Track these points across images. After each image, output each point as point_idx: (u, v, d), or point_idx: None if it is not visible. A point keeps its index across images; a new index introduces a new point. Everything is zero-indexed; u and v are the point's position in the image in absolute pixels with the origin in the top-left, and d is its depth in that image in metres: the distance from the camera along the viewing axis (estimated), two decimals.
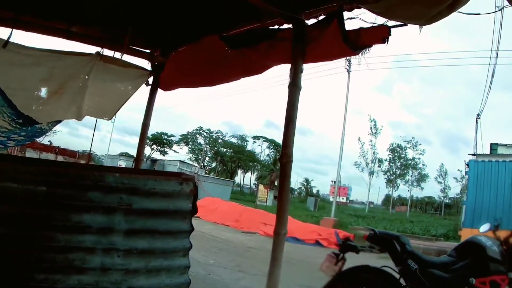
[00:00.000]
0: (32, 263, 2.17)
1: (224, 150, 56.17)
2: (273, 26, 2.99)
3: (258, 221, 11.49)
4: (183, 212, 2.41)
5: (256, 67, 3.09)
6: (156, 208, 2.35)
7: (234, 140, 57.38)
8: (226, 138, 56.79)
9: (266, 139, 57.46)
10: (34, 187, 2.20)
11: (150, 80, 4.10)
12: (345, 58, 2.97)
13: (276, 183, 45.15)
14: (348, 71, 19.77)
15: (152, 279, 2.32)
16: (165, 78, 3.95)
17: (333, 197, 26.40)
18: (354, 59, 2.89)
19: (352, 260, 2.96)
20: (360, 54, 2.74)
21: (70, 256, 2.21)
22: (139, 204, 2.31)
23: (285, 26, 2.93)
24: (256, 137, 58.17)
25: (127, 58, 4.01)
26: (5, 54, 3.34)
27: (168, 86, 4.03)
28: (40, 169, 2.22)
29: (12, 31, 3.27)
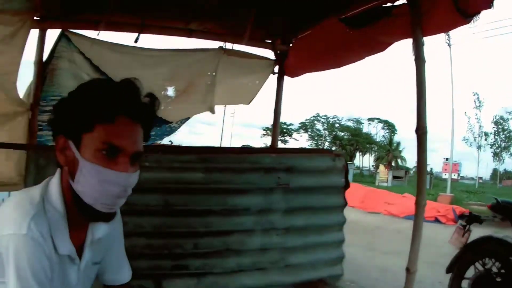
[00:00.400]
0: (189, 249, 2.12)
1: (342, 134, 55.47)
2: (388, 3, 2.83)
3: (382, 201, 11.33)
4: (337, 187, 2.28)
5: (378, 45, 2.92)
6: (312, 185, 2.22)
7: (350, 123, 56.35)
8: (342, 122, 55.95)
9: (380, 120, 56.13)
10: (190, 174, 2.07)
11: (276, 69, 3.91)
12: (454, 29, 2.81)
13: (393, 163, 45.02)
14: (449, 45, 18.67)
15: (309, 255, 2.28)
16: (290, 65, 3.79)
17: (445, 174, 26.20)
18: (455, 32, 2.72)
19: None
20: (470, 22, 2.61)
21: (229, 239, 2.15)
22: (296, 182, 2.18)
23: (399, 2, 2.75)
24: (370, 119, 56.86)
25: (250, 49, 3.78)
26: (126, 58, 3.26)
27: (294, 73, 3.84)
28: (196, 157, 2.05)
29: (139, 35, 3.24)
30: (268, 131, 52.24)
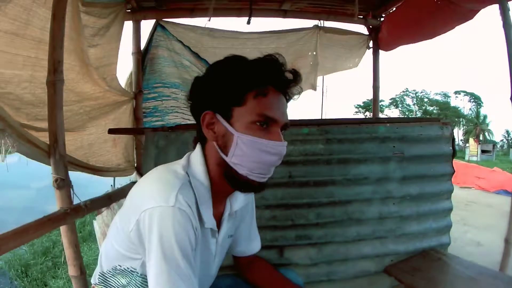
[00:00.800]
0: (312, 220, 2.18)
1: (431, 108, 55.25)
2: None
3: (473, 176, 11.25)
4: (446, 155, 2.30)
5: (467, 13, 2.94)
6: (424, 154, 2.25)
7: (438, 97, 56.42)
8: (431, 97, 56.24)
9: (466, 93, 56.02)
10: (312, 146, 2.13)
11: (370, 44, 4.01)
12: None
13: (481, 137, 44.52)
14: None
15: (421, 224, 2.30)
16: (383, 39, 3.87)
17: None
18: None
19: None
20: None
21: (350, 208, 2.20)
22: (410, 150, 2.22)
23: None
24: (457, 92, 56.85)
25: (343, 26, 3.90)
26: (225, 43, 3.33)
27: (388, 46, 3.91)
28: (317, 129, 2.10)
29: (250, 17, 3.27)
30: (360, 109, 51.89)
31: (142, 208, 1.04)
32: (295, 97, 1.19)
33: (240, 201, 1.34)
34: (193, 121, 1.22)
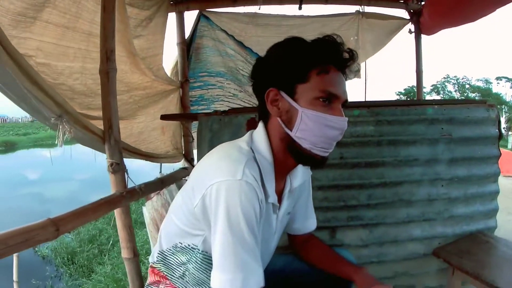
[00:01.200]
0: (364, 201, 2.21)
1: (473, 95, 54.38)
2: None
3: None
4: (492, 137, 2.33)
5: None
6: (471, 135, 2.28)
7: (479, 84, 55.88)
8: (472, 83, 55.65)
9: (508, 79, 55.28)
10: (363, 127, 2.18)
11: (412, 28, 3.98)
12: None
13: None
14: None
15: (469, 206, 2.32)
16: (425, 23, 3.84)
17: None
18: None
19: None
20: None
21: (400, 190, 2.22)
22: (457, 132, 2.25)
23: None
24: (498, 78, 56.06)
25: (383, 11, 3.92)
26: (269, 30, 3.39)
27: (430, 30, 3.89)
28: (367, 111, 2.15)
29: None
30: (401, 96, 51.35)
31: (209, 183, 1.08)
32: (351, 76, 1.25)
33: (299, 178, 1.38)
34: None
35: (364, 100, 3.19)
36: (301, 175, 1.39)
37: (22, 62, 1.35)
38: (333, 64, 1.14)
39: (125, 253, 2.06)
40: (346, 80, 1.20)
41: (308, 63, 1.12)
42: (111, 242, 6.77)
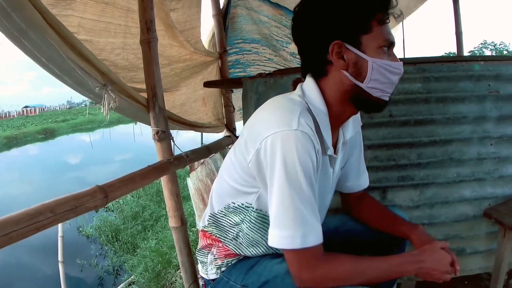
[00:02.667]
0: (414, 160, 2.18)
1: None
2: None
3: None
4: None
5: None
6: None
7: None
8: (510, 49, 54.98)
9: None
10: (410, 85, 2.13)
11: None
12: None
13: None
14: None
15: None
16: None
17: None
18: None
19: None
20: None
21: (450, 148, 2.17)
22: (504, 89, 2.16)
23: None
24: None
25: None
26: None
27: None
28: (413, 67, 2.10)
29: None
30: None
31: (264, 136, 1.07)
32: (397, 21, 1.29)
33: (351, 130, 1.39)
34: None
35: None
36: (352, 127, 1.39)
37: (67, 34, 1.37)
38: (386, 12, 1.14)
39: (172, 222, 2.10)
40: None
41: (370, 13, 1.12)
42: (154, 218, 6.95)
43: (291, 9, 3.53)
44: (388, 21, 1.14)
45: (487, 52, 53.40)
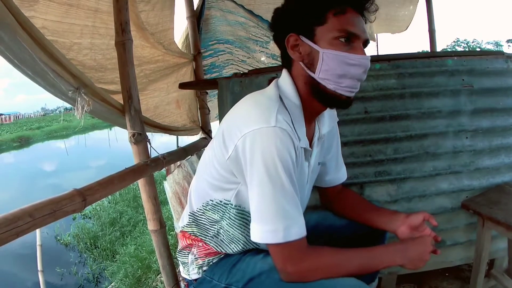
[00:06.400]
0: (390, 154, 2.18)
1: None
2: None
3: None
4: None
5: None
6: (492, 87, 2.21)
7: (490, 47, 55.47)
8: (482, 46, 55.37)
9: None
10: (385, 81, 2.13)
11: None
12: None
13: None
14: None
15: (494, 158, 2.26)
16: None
17: None
18: None
19: None
20: None
21: (425, 142, 2.19)
22: (478, 83, 2.19)
23: None
24: (509, 41, 55.54)
25: None
26: None
27: None
28: (388, 64, 2.11)
29: None
30: None
31: (242, 133, 1.06)
32: (371, 17, 1.23)
33: (326, 125, 1.39)
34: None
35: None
36: (328, 122, 1.39)
37: (38, 36, 1.34)
38: (349, 5, 1.13)
39: (151, 225, 2.07)
40: (366, 22, 1.19)
41: (324, 5, 1.12)
42: (131, 223, 6.89)
43: (265, 18, 3.54)
44: (345, 12, 1.12)
45: (460, 50, 54.96)
